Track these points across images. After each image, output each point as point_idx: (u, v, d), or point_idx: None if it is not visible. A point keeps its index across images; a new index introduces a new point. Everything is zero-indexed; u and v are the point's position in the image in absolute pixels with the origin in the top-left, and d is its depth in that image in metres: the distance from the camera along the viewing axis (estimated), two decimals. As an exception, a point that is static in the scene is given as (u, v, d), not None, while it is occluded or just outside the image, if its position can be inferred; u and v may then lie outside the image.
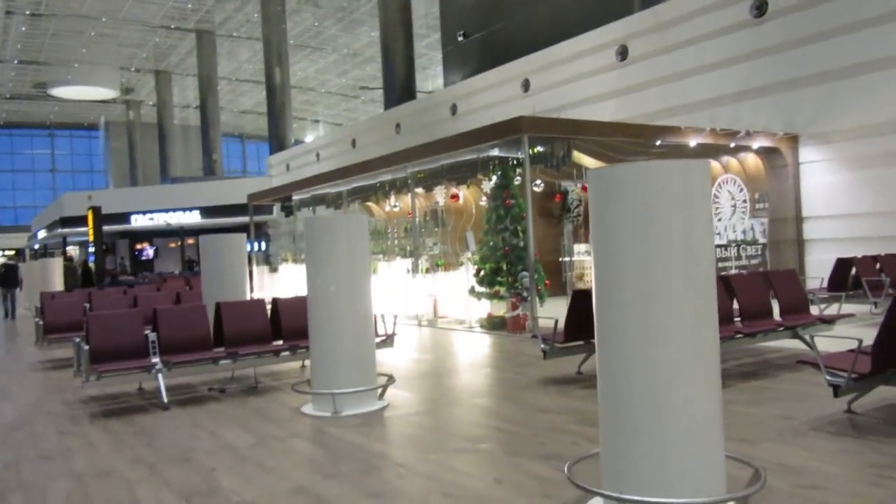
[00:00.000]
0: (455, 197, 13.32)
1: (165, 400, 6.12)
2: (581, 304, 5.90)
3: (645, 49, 14.92)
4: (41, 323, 9.11)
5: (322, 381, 5.61)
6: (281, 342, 6.99)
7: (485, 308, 10.76)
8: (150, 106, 48.34)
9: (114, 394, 6.88)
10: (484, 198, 14.39)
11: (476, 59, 23.33)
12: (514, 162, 10.29)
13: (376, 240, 13.85)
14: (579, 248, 14.41)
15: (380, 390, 5.90)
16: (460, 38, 23.71)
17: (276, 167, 31.04)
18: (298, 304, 7.11)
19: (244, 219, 28.30)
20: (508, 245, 10.15)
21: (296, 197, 16.67)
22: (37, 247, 44.88)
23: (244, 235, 8.55)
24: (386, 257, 13.43)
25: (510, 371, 7.22)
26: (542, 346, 6.23)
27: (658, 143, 11.11)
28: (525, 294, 9.70)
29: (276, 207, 29.26)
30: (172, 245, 36.33)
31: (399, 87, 23.95)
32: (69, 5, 32.46)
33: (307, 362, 7.08)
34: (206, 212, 31.17)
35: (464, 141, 10.40)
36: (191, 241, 35.49)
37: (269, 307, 7.26)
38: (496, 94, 18.93)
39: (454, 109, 20.57)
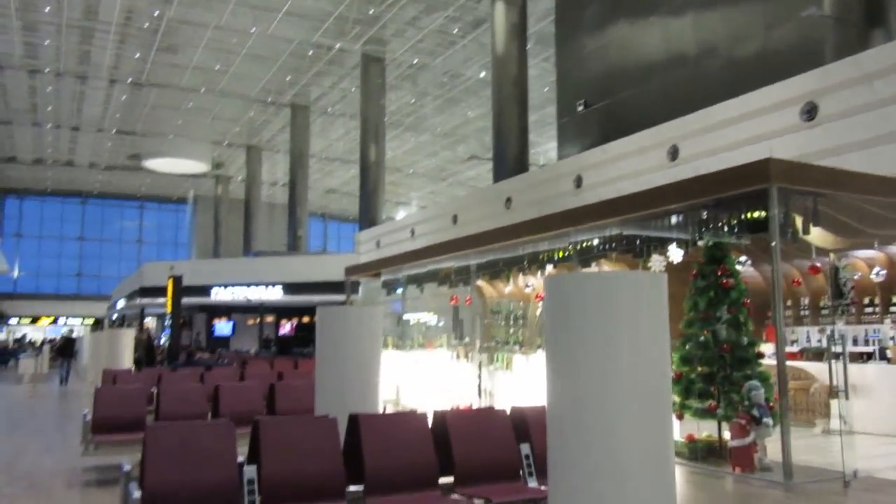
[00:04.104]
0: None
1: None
2: None
3: (842, 106, 12.14)
4: (88, 418, 6.67)
5: None
6: (451, 481, 4.25)
7: (681, 427, 7.78)
8: (238, 181, 48.01)
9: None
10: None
11: (597, 129, 21.05)
12: (733, 227, 7.52)
13: (510, 327, 11.19)
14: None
15: None
16: (580, 108, 21.53)
17: (364, 244, 29.11)
18: (480, 421, 4.40)
19: (330, 297, 26.26)
20: (727, 342, 7.26)
21: (405, 272, 14.26)
22: (115, 317, 44.10)
23: (380, 308, 6.01)
24: (524, 349, 10.65)
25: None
26: None
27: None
28: (758, 413, 6.71)
29: (363, 286, 27.17)
30: (250, 322, 34.52)
31: (511, 160, 21.81)
32: (171, 77, 32.22)
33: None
34: (289, 288, 29.24)
35: (670, 195, 7.74)
36: (269, 318, 33.69)
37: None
38: (633, 164, 16.31)
39: (579, 182, 18.06)
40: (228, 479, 3.75)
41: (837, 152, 12.01)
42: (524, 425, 4.49)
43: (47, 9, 25.13)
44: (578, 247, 9.74)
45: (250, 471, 3.78)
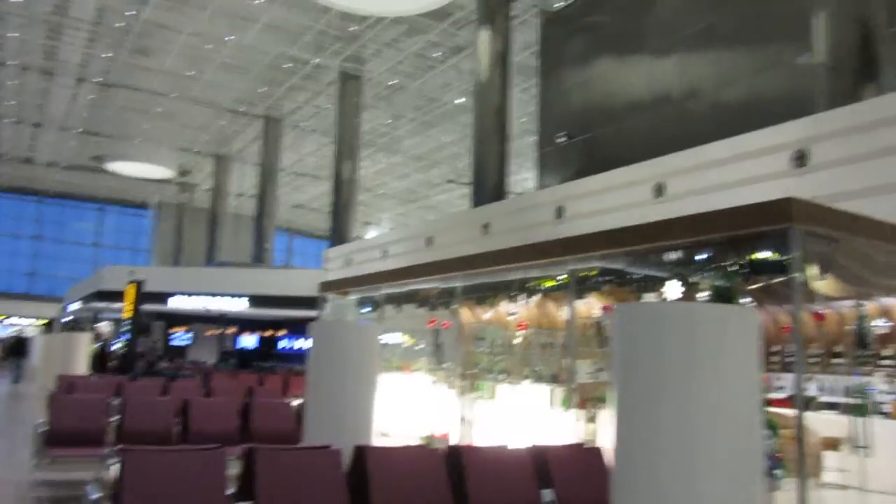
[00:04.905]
0: (608, 309, 10.27)
1: None
2: None
3: (834, 154, 12.12)
4: (42, 430, 6.05)
5: None
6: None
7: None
8: (203, 190, 46.94)
9: None
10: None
11: (578, 161, 20.98)
12: (742, 267, 7.29)
13: (496, 354, 10.81)
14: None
15: None
16: (562, 140, 21.45)
17: (333, 261, 28.52)
18: (496, 460, 3.97)
19: (296, 312, 25.56)
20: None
21: (383, 291, 13.80)
22: (67, 319, 42.57)
23: (377, 327, 5.55)
24: (510, 378, 10.26)
25: None
26: None
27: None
28: (768, 464, 6.40)
29: (331, 303, 26.57)
30: (209, 333, 33.53)
31: (490, 187, 21.63)
32: (141, 80, 31.35)
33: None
34: (256, 301, 28.46)
35: (677, 230, 7.49)
36: (230, 330, 32.79)
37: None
38: (616, 198, 16.15)
39: (560, 212, 17.86)
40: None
41: (827, 200, 12.00)
42: (545, 467, 4.08)
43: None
44: (570, 277, 9.40)
45: (245, 508, 3.31)
